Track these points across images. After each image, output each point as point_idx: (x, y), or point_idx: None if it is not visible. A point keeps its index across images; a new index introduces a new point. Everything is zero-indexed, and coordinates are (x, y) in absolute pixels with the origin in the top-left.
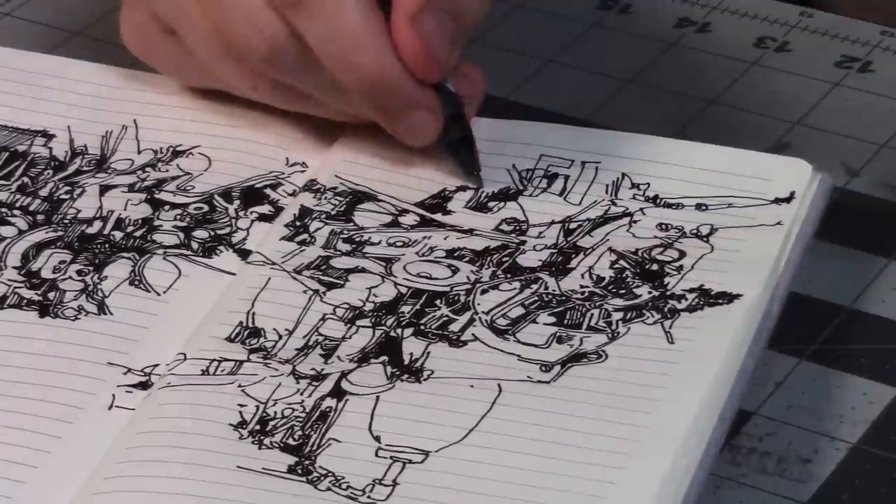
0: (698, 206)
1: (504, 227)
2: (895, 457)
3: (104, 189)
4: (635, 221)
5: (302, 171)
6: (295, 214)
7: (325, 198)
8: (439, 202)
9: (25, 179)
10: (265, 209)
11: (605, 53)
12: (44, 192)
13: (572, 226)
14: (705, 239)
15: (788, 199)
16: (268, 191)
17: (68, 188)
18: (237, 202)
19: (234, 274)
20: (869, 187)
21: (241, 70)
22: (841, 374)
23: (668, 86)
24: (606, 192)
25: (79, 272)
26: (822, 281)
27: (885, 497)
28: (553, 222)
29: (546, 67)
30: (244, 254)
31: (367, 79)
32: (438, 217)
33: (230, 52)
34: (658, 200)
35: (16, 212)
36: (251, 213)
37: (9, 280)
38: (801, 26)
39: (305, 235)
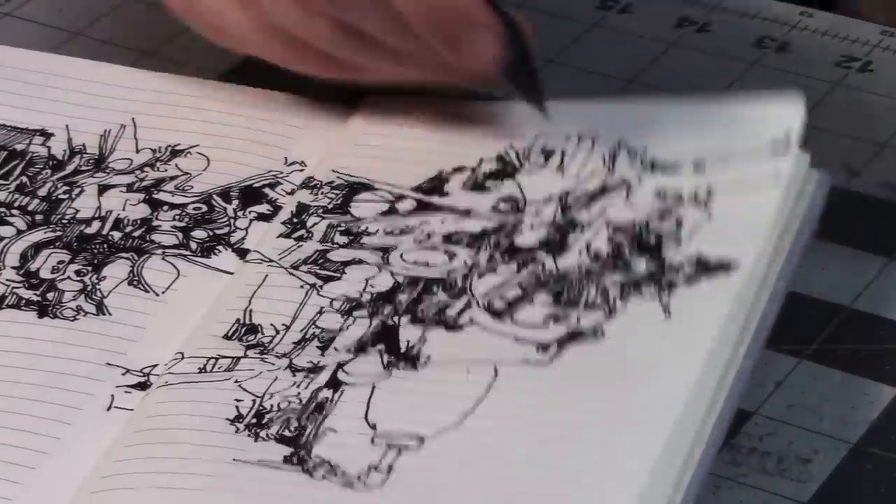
0: (696, 167)
1: (501, 205)
2: (895, 457)
3: (103, 189)
4: (633, 191)
5: (300, 170)
6: (292, 212)
7: (322, 192)
8: (436, 185)
9: (24, 179)
10: (264, 208)
11: (605, 53)
12: (42, 192)
13: (570, 200)
14: (703, 205)
15: (786, 141)
16: (266, 190)
17: (67, 188)
18: (236, 202)
19: (232, 273)
20: (869, 187)
21: (304, 12)
22: (841, 374)
23: (668, 86)
24: (603, 164)
25: (77, 272)
26: (822, 281)
27: (885, 497)
28: (551, 198)
29: (546, 67)
30: (243, 253)
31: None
32: (435, 199)
33: None
34: (655, 166)
35: (14, 211)
36: (250, 212)
37: (7, 280)
38: (801, 26)
39: (303, 231)
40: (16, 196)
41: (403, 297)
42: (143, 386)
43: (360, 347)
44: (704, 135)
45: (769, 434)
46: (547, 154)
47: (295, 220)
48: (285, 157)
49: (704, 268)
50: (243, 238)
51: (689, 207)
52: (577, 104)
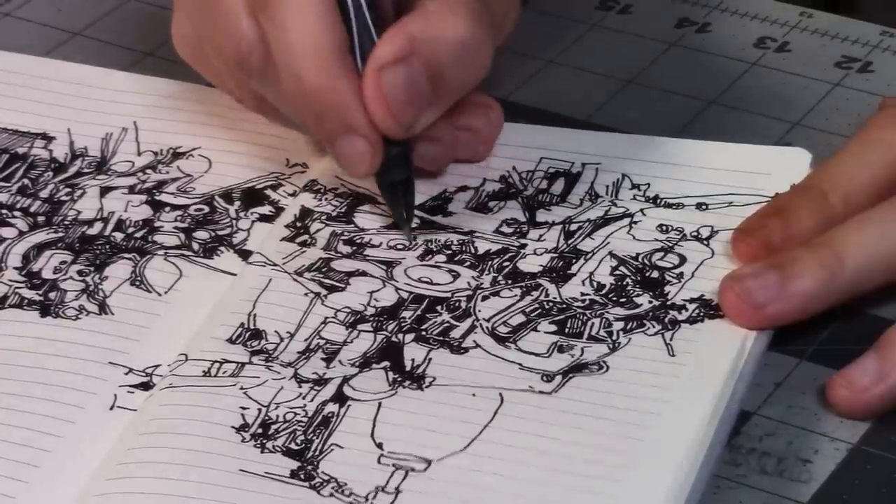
0: (699, 206)
1: (504, 228)
2: (895, 457)
3: (104, 191)
4: (636, 222)
5: (302, 172)
6: (296, 215)
7: (326, 199)
8: (440, 203)
9: (25, 181)
10: (266, 210)
11: (605, 53)
12: (44, 194)
13: (573, 227)
14: (705, 242)
15: None
16: (268, 191)
17: (68, 190)
18: (238, 203)
19: (234, 274)
20: None
21: (231, 76)
22: None
23: (668, 86)
24: (607, 193)
25: (79, 272)
26: None
27: (885, 497)
28: (553, 223)
29: (546, 67)
30: (245, 254)
31: (306, 91)
32: (439, 219)
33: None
34: (658, 201)
35: (16, 213)
36: (252, 213)
37: (9, 280)
38: (801, 26)
39: (306, 236)
40: (17, 198)
41: (407, 314)
42: (145, 386)
43: (366, 363)
44: (708, 179)
45: (769, 434)
46: (550, 179)
47: (298, 224)
48: (287, 159)
49: (707, 308)
50: (245, 239)
51: (692, 243)
52: (581, 133)
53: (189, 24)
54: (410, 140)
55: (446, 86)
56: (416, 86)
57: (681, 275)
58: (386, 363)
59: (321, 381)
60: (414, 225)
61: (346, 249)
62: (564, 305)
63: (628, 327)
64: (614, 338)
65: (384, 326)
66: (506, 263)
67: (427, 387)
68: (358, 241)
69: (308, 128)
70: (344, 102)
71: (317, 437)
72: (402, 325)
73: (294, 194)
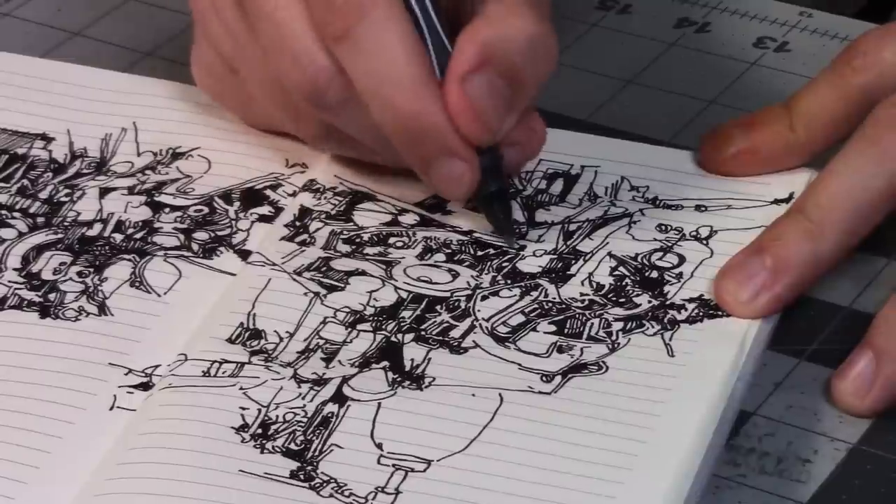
0: (697, 208)
1: None
2: (895, 457)
3: (104, 191)
4: (635, 222)
5: (302, 172)
6: (295, 214)
7: (325, 198)
8: (439, 201)
9: (25, 182)
10: (265, 210)
11: (605, 53)
12: (43, 195)
13: (572, 227)
14: (705, 242)
15: (787, 200)
16: (268, 192)
17: (68, 191)
18: (237, 203)
19: (234, 275)
20: None
21: (290, 111)
22: None
23: (668, 86)
24: (606, 194)
25: (79, 273)
26: (821, 281)
27: (885, 497)
28: (552, 223)
29: None
30: (245, 255)
31: (400, 118)
32: (438, 217)
33: (281, 92)
34: (657, 202)
35: (16, 214)
36: (251, 214)
37: (9, 281)
38: (800, 26)
39: (305, 236)
40: (17, 199)
41: (407, 314)
42: (145, 386)
43: (365, 363)
44: (707, 184)
45: (769, 434)
46: (549, 180)
47: (297, 224)
48: (286, 160)
49: (706, 307)
50: (245, 240)
51: (692, 243)
52: (580, 137)
53: (218, 57)
54: (498, 150)
55: (523, 85)
56: (497, 90)
57: (680, 275)
58: (385, 363)
59: (321, 382)
60: (412, 221)
61: (345, 248)
62: (564, 306)
63: (628, 327)
64: (614, 338)
65: (383, 326)
66: (505, 264)
67: (426, 387)
68: (357, 240)
69: (396, 155)
70: (439, 125)
71: (316, 438)
72: (402, 324)
73: (294, 195)
